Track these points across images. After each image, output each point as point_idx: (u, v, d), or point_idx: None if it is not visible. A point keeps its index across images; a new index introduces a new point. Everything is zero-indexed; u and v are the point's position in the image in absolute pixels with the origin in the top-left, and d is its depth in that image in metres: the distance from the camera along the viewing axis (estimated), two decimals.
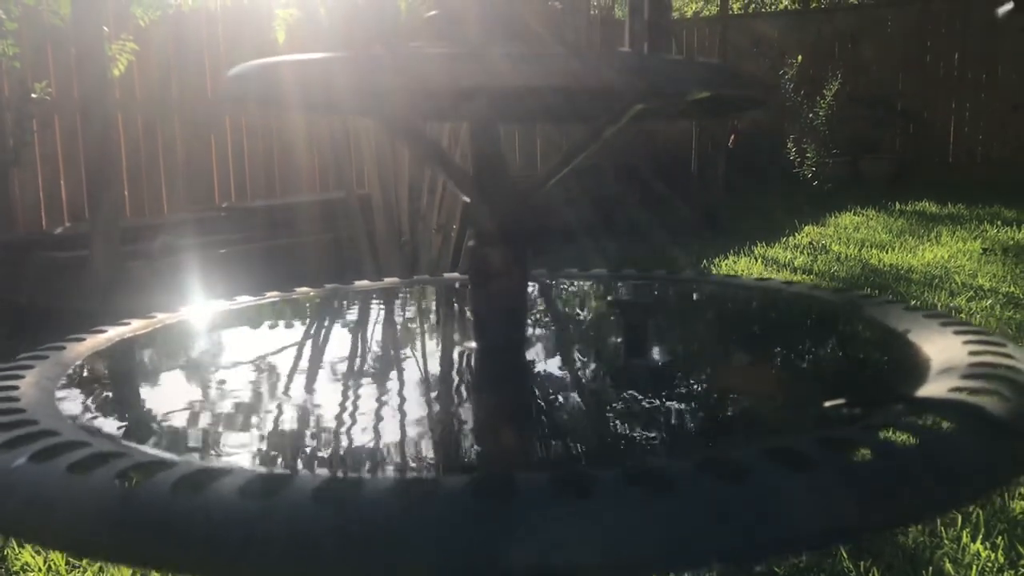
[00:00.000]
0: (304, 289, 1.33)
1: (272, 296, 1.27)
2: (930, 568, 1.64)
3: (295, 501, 0.51)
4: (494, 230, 0.97)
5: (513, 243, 0.97)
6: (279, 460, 0.73)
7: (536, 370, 0.98)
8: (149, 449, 0.68)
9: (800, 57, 8.20)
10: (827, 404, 0.67)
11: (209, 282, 3.70)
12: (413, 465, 0.73)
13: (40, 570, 1.77)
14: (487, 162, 1.00)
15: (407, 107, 1.00)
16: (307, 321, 1.28)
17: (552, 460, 0.73)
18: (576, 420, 0.84)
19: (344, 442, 0.78)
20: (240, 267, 3.98)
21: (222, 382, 0.97)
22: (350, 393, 0.92)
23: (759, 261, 4.67)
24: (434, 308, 1.40)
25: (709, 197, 5.96)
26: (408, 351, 1.11)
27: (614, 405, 0.88)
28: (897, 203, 6.65)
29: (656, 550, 0.49)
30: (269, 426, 0.81)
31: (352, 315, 1.35)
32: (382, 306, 1.37)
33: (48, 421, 0.69)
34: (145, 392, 0.96)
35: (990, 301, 3.60)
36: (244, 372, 1.01)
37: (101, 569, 1.76)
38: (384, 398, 0.90)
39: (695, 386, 0.95)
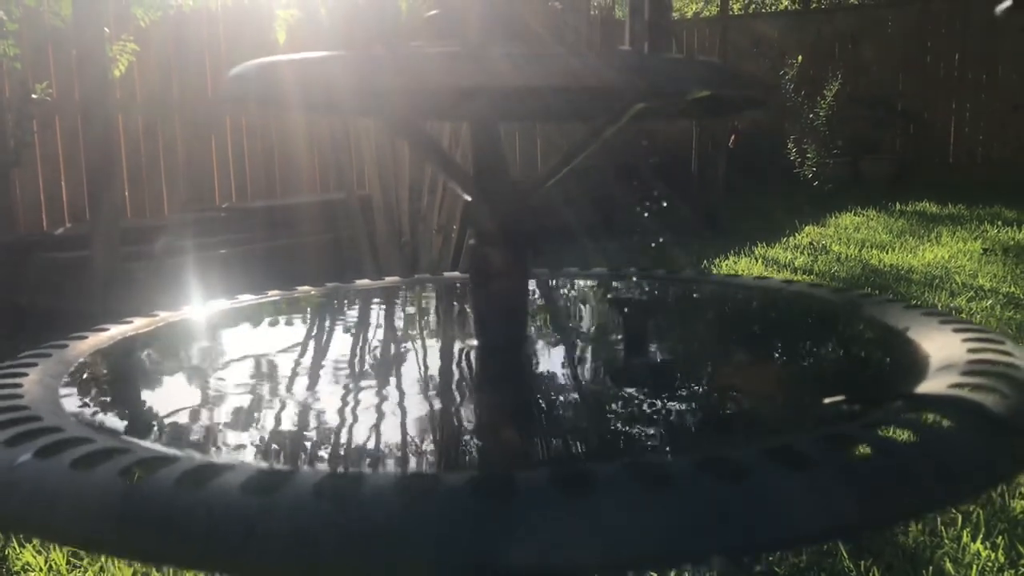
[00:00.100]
0: (305, 288, 1.33)
1: (274, 295, 1.27)
2: (930, 568, 1.64)
3: (296, 497, 0.51)
4: (494, 230, 0.97)
5: (513, 243, 0.97)
6: (281, 457, 0.74)
7: (536, 369, 0.98)
8: (152, 445, 0.68)
9: (800, 57, 8.20)
10: (826, 402, 0.68)
11: (209, 283, 3.71)
12: (413, 462, 0.73)
13: (41, 570, 1.78)
14: (487, 162, 1.00)
15: (407, 107, 1.01)
16: (308, 320, 1.28)
17: (552, 458, 0.73)
18: (576, 419, 0.84)
19: (345, 439, 0.79)
20: (240, 268, 3.98)
21: (224, 380, 0.98)
22: (351, 391, 0.93)
23: (759, 261, 4.68)
24: (435, 307, 1.40)
25: (709, 197, 5.97)
26: (409, 350, 1.12)
27: (614, 404, 0.88)
28: (897, 203, 6.66)
29: (656, 548, 0.49)
30: (271, 423, 0.81)
31: (353, 314, 1.35)
32: (383, 305, 1.38)
33: (51, 418, 0.69)
34: (147, 389, 0.97)
35: (990, 301, 3.60)
36: (246, 370, 1.01)
37: (102, 569, 1.76)
38: (385, 396, 0.91)
39: (695, 385, 0.95)
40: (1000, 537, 1.74)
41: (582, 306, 1.38)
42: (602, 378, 0.98)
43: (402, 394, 0.92)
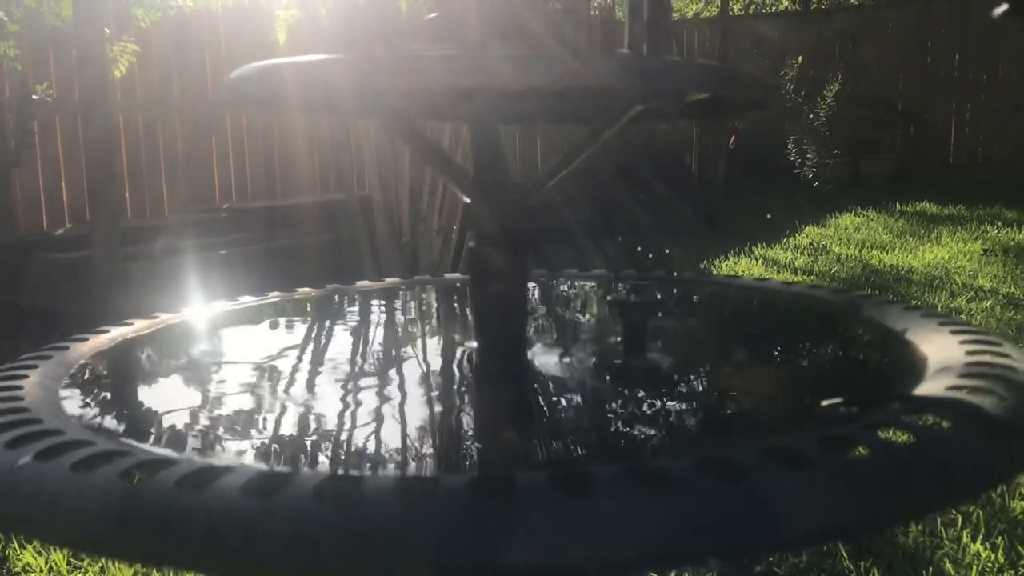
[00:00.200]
0: (306, 289, 1.33)
1: (274, 296, 1.27)
2: (930, 568, 1.64)
3: (296, 499, 0.52)
4: (494, 230, 0.97)
5: (513, 244, 0.97)
6: (281, 458, 0.74)
7: (536, 370, 0.98)
8: (152, 447, 0.68)
9: (800, 58, 8.20)
10: (825, 403, 0.68)
11: (210, 283, 3.71)
12: (413, 464, 0.73)
13: (41, 571, 1.78)
14: (487, 163, 1.00)
15: (407, 108, 1.01)
16: (309, 321, 1.28)
17: (552, 459, 0.74)
18: (576, 419, 0.84)
19: (345, 441, 0.79)
20: (241, 268, 3.99)
21: (224, 382, 0.98)
22: (351, 393, 0.93)
23: (760, 262, 4.68)
24: (435, 308, 1.40)
25: (709, 198, 5.97)
26: (409, 351, 1.12)
27: (613, 405, 0.88)
28: (898, 204, 6.66)
29: (655, 548, 0.49)
30: (271, 425, 0.82)
31: (353, 315, 1.35)
32: (383, 306, 1.38)
33: (52, 420, 0.69)
34: (148, 391, 0.97)
35: (990, 302, 3.60)
36: (246, 372, 1.01)
37: (103, 569, 1.76)
38: (385, 397, 0.91)
39: (694, 386, 0.95)
40: (1000, 538, 1.74)
41: (581, 307, 1.38)
42: (601, 379, 0.98)
43: (402, 395, 0.92)
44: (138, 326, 1.07)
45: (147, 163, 5.06)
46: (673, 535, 0.49)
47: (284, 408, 0.88)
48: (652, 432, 0.78)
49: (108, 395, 0.90)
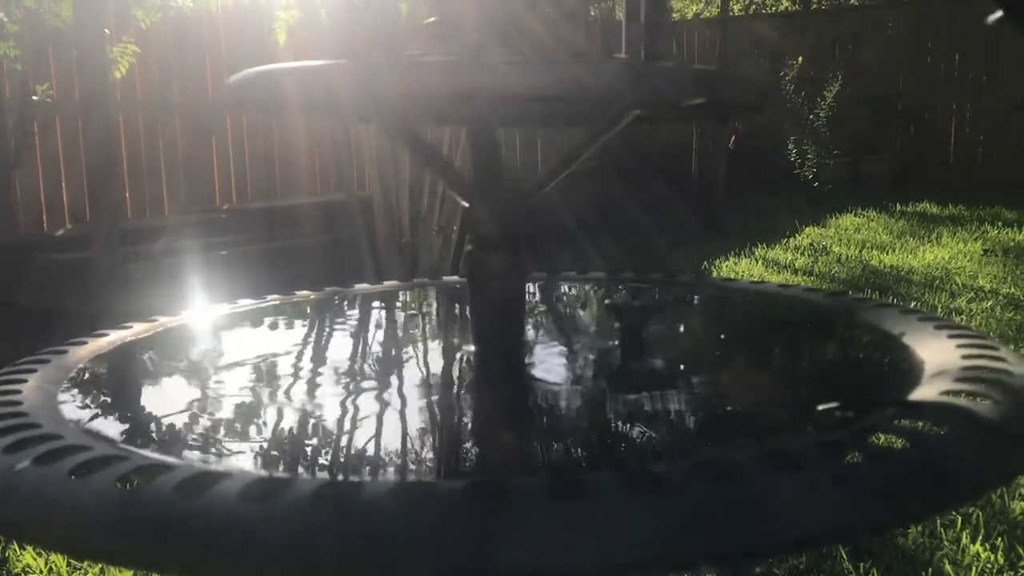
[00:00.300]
0: (304, 292, 1.34)
1: (273, 299, 1.28)
2: (930, 569, 1.64)
3: (294, 504, 0.52)
4: (493, 233, 0.97)
5: (512, 246, 0.98)
6: (279, 463, 0.74)
7: (534, 373, 0.98)
8: (150, 453, 0.68)
9: (801, 58, 8.20)
10: (820, 408, 0.68)
11: (210, 284, 3.71)
12: (411, 468, 0.73)
13: (41, 572, 1.78)
14: (485, 165, 1.00)
15: (406, 111, 1.01)
16: (307, 324, 1.29)
17: (549, 463, 0.74)
18: (573, 423, 0.84)
19: (343, 445, 0.79)
20: (241, 269, 3.99)
21: (223, 386, 0.98)
22: (349, 396, 0.93)
23: (760, 262, 4.68)
24: (433, 311, 1.40)
25: (710, 198, 5.97)
26: (407, 354, 1.12)
27: (610, 408, 0.88)
28: (898, 204, 6.66)
29: (651, 551, 0.50)
30: (270, 430, 0.82)
31: (352, 318, 1.36)
32: (382, 309, 1.38)
33: (50, 425, 0.70)
34: (146, 396, 0.97)
35: (990, 302, 3.60)
36: (245, 376, 1.01)
37: (103, 570, 1.77)
38: (383, 401, 0.91)
39: (691, 389, 0.96)
40: (1000, 539, 1.74)
41: (579, 310, 1.38)
42: (599, 381, 0.98)
43: (399, 399, 0.92)
44: (136, 329, 1.07)
45: (147, 164, 5.06)
46: (668, 538, 0.49)
47: (283, 412, 0.88)
48: (647, 436, 0.79)
49: (106, 399, 0.90)
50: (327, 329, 1.29)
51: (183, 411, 0.87)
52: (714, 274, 4.30)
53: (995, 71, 8.16)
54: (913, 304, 3.59)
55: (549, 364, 1.02)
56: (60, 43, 4.41)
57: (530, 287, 1.39)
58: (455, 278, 1.48)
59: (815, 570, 1.67)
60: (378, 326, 1.33)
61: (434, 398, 0.93)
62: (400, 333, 1.26)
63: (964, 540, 1.73)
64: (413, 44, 0.94)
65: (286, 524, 0.51)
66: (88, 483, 0.57)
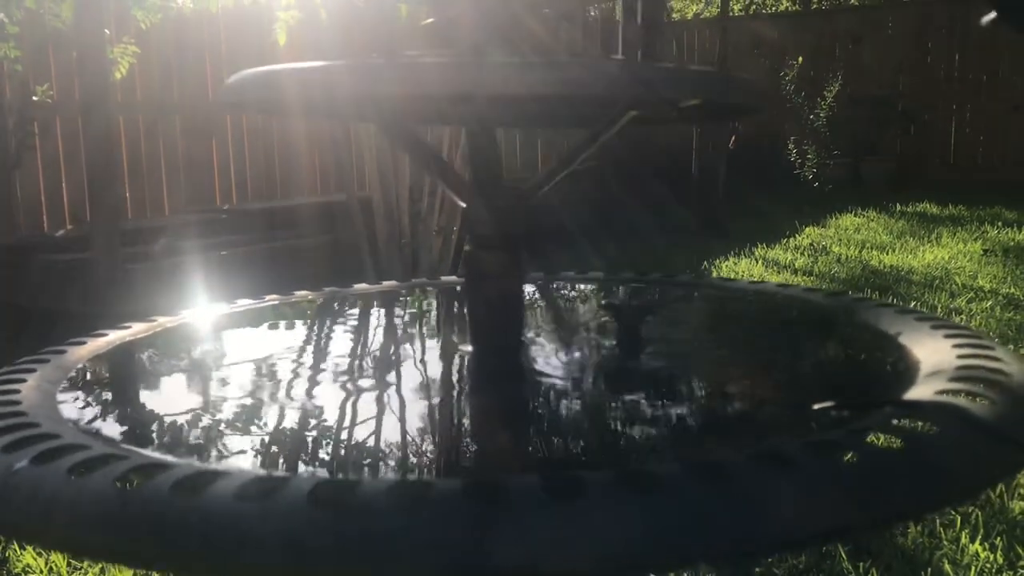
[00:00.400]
0: (303, 292, 1.34)
1: (271, 299, 1.28)
2: (929, 569, 1.64)
3: (290, 503, 0.52)
4: (490, 233, 0.98)
5: (509, 246, 0.98)
6: (277, 463, 0.74)
7: (531, 373, 0.98)
8: (148, 452, 0.69)
9: (800, 58, 8.20)
10: (816, 407, 0.68)
11: (210, 284, 3.71)
12: (408, 467, 0.73)
13: (42, 572, 1.78)
14: (483, 166, 1.00)
15: (404, 112, 1.01)
16: (306, 325, 1.29)
17: (546, 462, 0.74)
18: (570, 423, 0.85)
19: (340, 444, 0.79)
20: (241, 269, 3.99)
21: (221, 386, 0.98)
22: (347, 396, 0.93)
23: (760, 263, 4.68)
24: (431, 311, 1.41)
25: (710, 199, 5.97)
26: (404, 354, 1.12)
27: (607, 408, 0.89)
28: (898, 204, 6.66)
29: (645, 551, 0.50)
30: (267, 429, 0.82)
31: (350, 319, 1.36)
32: (380, 310, 1.38)
33: (49, 424, 0.70)
34: (145, 395, 0.97)
35: (990, 302, 3.60)
36: (243, 376, 1.02)
37: (102, 570, 1.77)
38: (380, 400, 0.91)
39: (688, 389, 0.96)
40: (999, 538, 1.74)
41: (576, 310, 1.38)
42: (596, 381, 0.98)
43: (397, 399, 0.93)
44: (135, 329, 1.07)
45: (147, 164, 5.07)
46: (662, 537, 0.49)
47: (280, 412, 0.89)
48: (644, 435, 0.79)
49: (105, 399, 0.91)
50: (325, 329, 1.29)
51: (181, 410, 0.87)
52: (714, 274, 4.30)
53: (995, 71, 8.16)
54: (913, 304, 3.59)
55: (547, 363, 1.03)
56: (60, 44, 4.42)
57: (528, 287, 1.39)
58: (454, 278, 1.48)
59: (814, 569, 1.67)
60: (376, 326, 1.33)
61: (431, 397, 0.94)
62: (398, 333, 1.26)
63: (963, 540, 1.74)
64: (411, 45, 0.94)
65: (282, 523, 0.52)
66: (86, 482, 0.57)
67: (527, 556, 0.49)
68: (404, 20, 3.48)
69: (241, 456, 0.75)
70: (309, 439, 0.80)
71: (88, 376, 0.93)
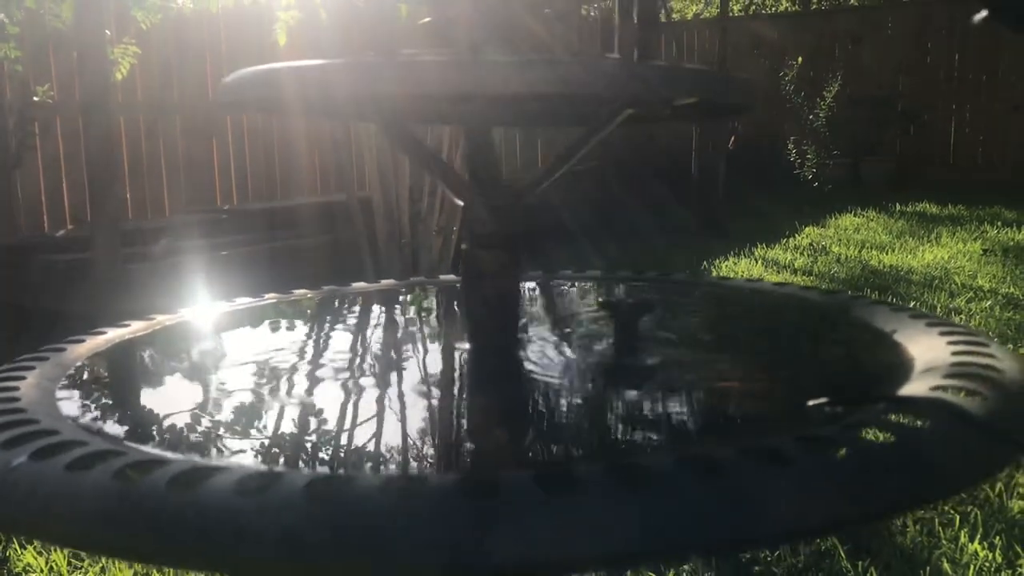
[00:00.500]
0: (302, 291, 1.34)
1: (270, 298, 1.28)
2: (928, 568, 1.64)
3: (286, 497, 0.52)
4: (488, 232, 0.98)
5: (507, 245, 0.98)
6: (274, 458, 0.75)
7: (528, 370, 0.99)
8: (146, 448, 0.69)
9: (800, 58, 8.20)
10: (811, 403, 0.69)
11: (211, 284, 3.72)
12: (403, 463, 0.74)
13: (42, 571, 1.79)
14: (481, 164, 1.01)
15: (401, 111, 1.02)
16: (304, 322, 1.29)
17: (540, 458, 0.74)
18: (565, 419, 0.85)
19: (336, 441, 0.80)
20: (241, 269, 3.99)
21: (220, 383, 0.99)
22: (344, 393, 0.94)
23: (759, 262, 4.68)
24: (429, 309, 1.41)
25: (710, 199, 5.97)
26: (402, 352, 1.13)
27: (603, 404, 0.89)
28: (897, 204, 6.66)
29: (639, 544, 0.50)
30: (264, 425, 0.82)
31: (348, 316, 1.36)
32: (378, 308, 1.39)
33: (48, 421, 0.70)
34: (143, 392, 0.98)
35: (990, 302, 3.60)
36: (241, 373, 1.02)
37: (103, 570, 1.77)
38: (376, 398, 0.91)
39: (683, 386, 0.96)
40: (997, 537, 1.74)
41: (574, 308, 1.39)
42: (592, 378, 0.99)
43: (393, 396, 0.93)
44: (134, 327, 1.07)
45: (148, 164, 5.07)
46: (655, 530, 0.50)
47: (277, 408, 0.89)
48: (640, 431, 0.79)
49: (104, 396, 0.91)
50: (323, 327, 1.30)
51: (179, 407, 0.88)
52: (714, 274, 4.30)
53: (995, 71, 8.15)
54: (912, 304, 3.59)
55: (543, 361, 1.03)
56: (61, 44, 4.42)
57: (526, 285, 1.39)
58: (452, 277, 1.49)
59: (813, 568, 1.67)
60: (373, 324, 1.34)
61: (428, 395, 0.94)
62: (395, 331, 1.27)
63: (962, 539, 1.74)
64: (410, 44, 0.95)
65: (279, 517, 0.52)
66: (84, 477, 0.58)
67: (522, 548, 0.49)
68: (404, 20, 3.49)
69: (238, 452, 0.75)
70: (306, 435, 0.80)
71: (87, 374, 0.93)
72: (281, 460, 0.74)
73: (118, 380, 1.00)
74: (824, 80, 8.00)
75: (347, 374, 1.01)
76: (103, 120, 3.32)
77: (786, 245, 5.19)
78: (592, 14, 7.20)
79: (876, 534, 1.78)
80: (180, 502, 0.54)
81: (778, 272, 4.50)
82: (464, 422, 0.86)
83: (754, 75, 8.10)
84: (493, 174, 1.01)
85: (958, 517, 1.82)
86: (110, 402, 0.90)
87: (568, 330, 1.19)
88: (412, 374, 1.02)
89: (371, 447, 0.77)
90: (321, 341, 1.21)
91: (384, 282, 1.47)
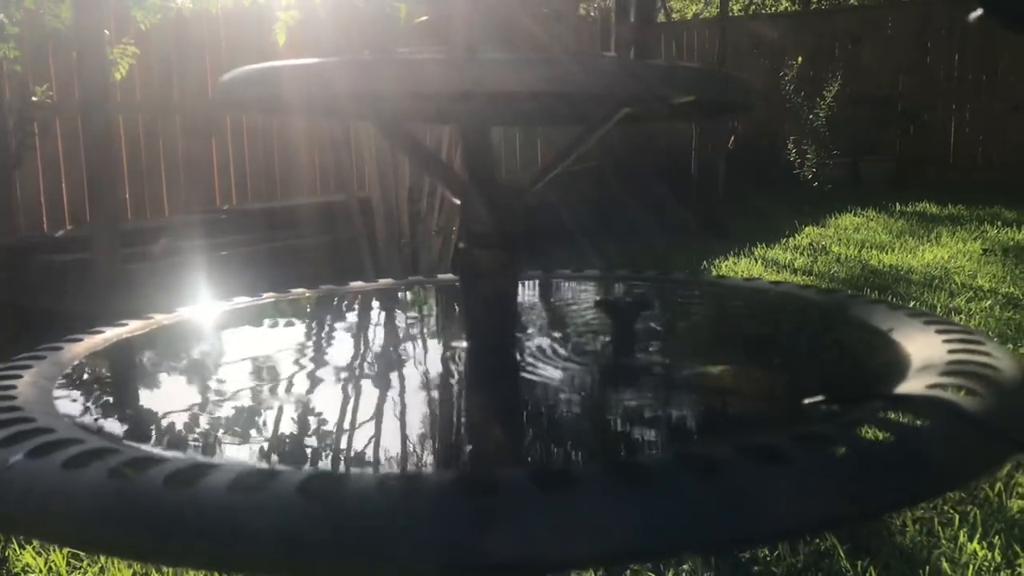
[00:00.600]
0: (300, 290, 1.34)
1: (268, 297, 1.28)
2: (927, 567, 1.64)
3: (282, 495, 0.52)
4: (485, 231, 0.98)
5: (504, 244, 0.98)
6: (270, 455, 0.75)
7: (526, 369, 0.99)
8: (142, 446, 0.69)
9: (800, 58, 8.20)
10: (807, 401, 0.69)
11: (210, 284, 3.72)
12: (400, 461, 0.74)
13: (41, 571, 1.79)
14: (479, 162, 1.01)
15: (399, 110, 1.02)
16: (302, 322, 1.29)
17: (538, 456, 0.74)
18: (563, 418, 0.85)
19: (334, 439, 0.80)
20: (241, 269, 4.00)
21: (217, 381, 0.99)
22: (341, 392, 0.94)
23: (759, 262, 4.68)
24: (427, 309, 1.41)
25: (709, 199, 5.97)
26: (400, 351, 1.13)
27: (601, 403, 0.89)
28: (897, 204, 6.66)
29: (637, 542, 0.50)
30: (262, 423, 0.82)
31: (346, 316, 1.36)
32: (376, 307, 1.39)
33: (45, 419, 0.70)
34: (140, 391, 0.98)
35: (989, 302, 3.60)
36: (239, 372, 1.02)
37: (102, 570, 1.77)
38: (373, 397, 0.92)
39: (680, 384, 0.96)
40: (997, 537, 1.74)
41: (572, 307, 1.39)
42: (590, 377, 0.99)
43: (390, 394, 0.93)
44: (132, 326, 1.07)
45: (147, 164, 5.07)
46: (652, 528, 0.50)
47: (275, 406, 0.89)
48: (637, 430, 0.79)
49: (101, 394, 0.91)
50: (321, 326, 1.30)
51: (176, 406, 0.88)
52: (713, 274, 4.30)
53: (994, 71, 8.15)
54: (912, 303, 3.60)
55: (542, 360, 1.03)
56: (60, 44, 4.43)
57: (524, 284, 1.39)
58: (450, 276, 1.49)
59: (813, 568, 1.67)
60: (371, 323, 1.34)
61: (426, 393, 0.94)
62: (393, 330, 1.27)
63: (962, 538, 1.74)
64: (409, 43, 0.95)
65: (276, 515, 0.52)
66: (81, 475, 0.58)
67: (519, 546, 0.49)
68: (403, 20, 3.49)
69: (236, 450, 0.75)
70: (303, 434, 0.80)
71: (84, 372, 0.93)
72: (278, 458, 0.74)
73: (115, 379, 1.00)
74: (824, 80, 8.00)
75: (345, 373, 1.01)
76: (102, 120, 3.32)
77: (786, 245, 5.19)
78: (591, 14, 7.21)
79: (875, 533, 1.78)
80: (177, 500, 0.54)
81: (778, 272, 4.50)
82: (462, 421, 0.86)
83: (754, 75, 8.10)
84: (491, 173, 1.01)
85: (957, 517, 1.82)
86: (107, 401, 0.90)
87: (567, 329, 1.19)
88: (410, 373, 1.02)
89: (369, 445, 0.77)
90: (319, 340, 1.21)
91: (382, 281, 1.47)
